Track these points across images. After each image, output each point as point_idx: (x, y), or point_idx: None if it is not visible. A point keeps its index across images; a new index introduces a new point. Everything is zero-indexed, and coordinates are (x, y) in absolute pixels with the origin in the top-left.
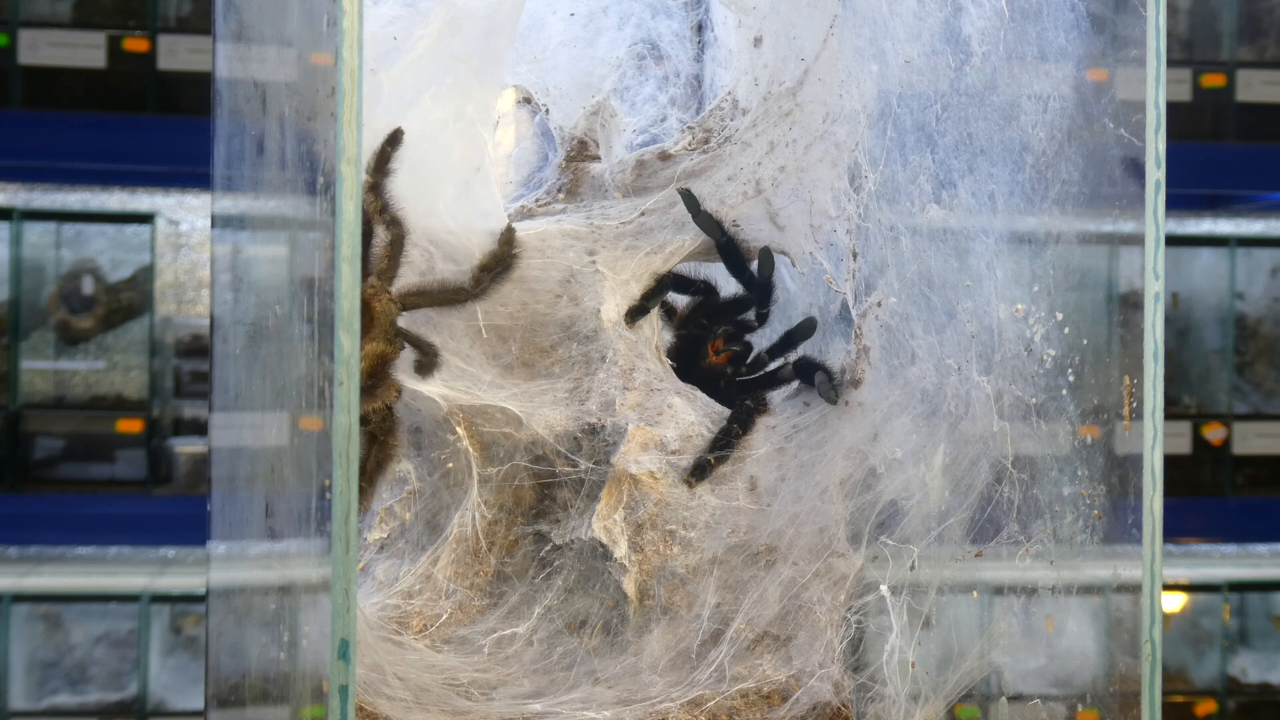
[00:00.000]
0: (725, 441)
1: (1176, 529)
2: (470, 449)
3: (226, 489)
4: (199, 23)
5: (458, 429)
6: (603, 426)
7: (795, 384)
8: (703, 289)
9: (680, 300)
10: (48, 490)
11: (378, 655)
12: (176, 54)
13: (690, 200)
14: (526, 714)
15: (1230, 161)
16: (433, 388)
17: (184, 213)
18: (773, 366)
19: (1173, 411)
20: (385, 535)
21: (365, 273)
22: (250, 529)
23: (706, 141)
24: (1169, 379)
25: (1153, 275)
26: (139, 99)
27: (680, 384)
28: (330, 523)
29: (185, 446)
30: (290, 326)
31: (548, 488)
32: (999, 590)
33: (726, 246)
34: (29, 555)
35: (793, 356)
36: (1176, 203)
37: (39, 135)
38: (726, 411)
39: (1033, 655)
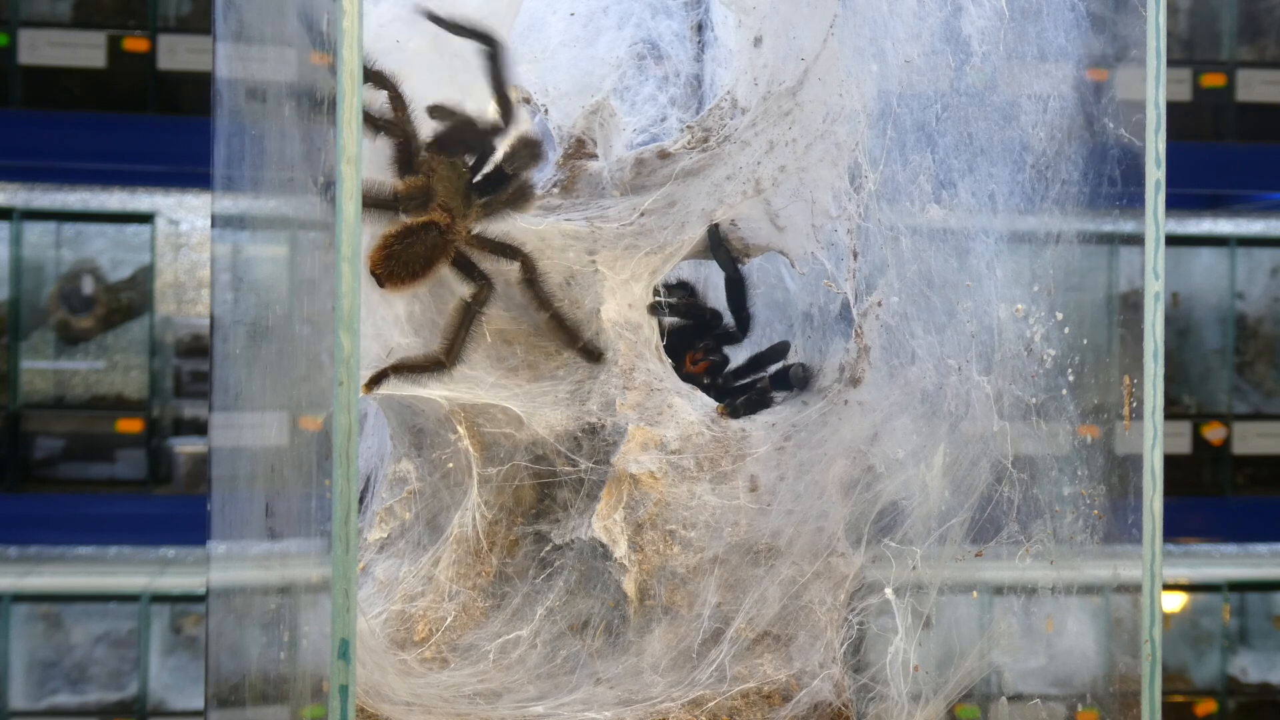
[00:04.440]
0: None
1: (1176, 529)
2: (471, 449)
3: (226, 489)
4: (199, 23)
5: (459, 428)
6: (603, 426)
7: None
8: (683, 309)
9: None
10: (48, 490)
11: (383, 676)
12: (176, 54)
13: (715, 234)
14: (529, 715)
15: (1230, 161)
16: (434, 390)
17: (184, 213)
18: (748, 380)
19: (1173, 411)
20: (385, 535)
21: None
22: (250, 529)
23: (706, 140)
24: (1169, 379)
25: (1153, 275)
26: (139, 99)
27: (680, 384)
28: (330, 523)
29: (185, 446)
30: (290, 326)
31: (548, 487)
32: (999, 590)
33: (733, 282)
34: (29, 555)
35: (773, 367)
36: (1176, 203)
37: (39, 135)
38: None
39: (1033, 655)
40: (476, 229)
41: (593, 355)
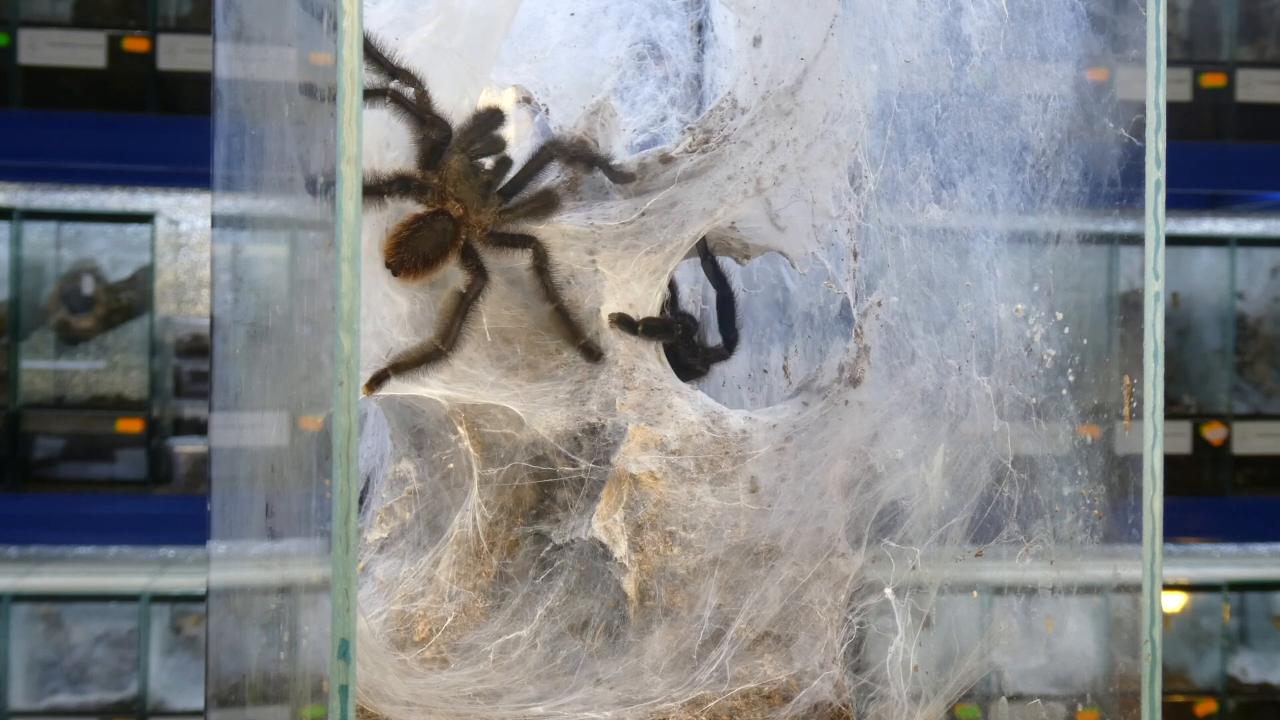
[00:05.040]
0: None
1: (1176, 529)
2: (471, 449)
3: (226, 489)
4: (199, 23)
5: (459, 428)
6: (603, 426)
7: (791, 383)
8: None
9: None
10: (48, 490)
11: (383, 676)
12: (176, 54)
13: (704, 249)
14: (529, 716)
15: (1230, 161)
16: (434, 390)
17: (184, 213)
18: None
19: (1173, 411)
20: (385, 535)
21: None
22: (250, 529)
23: (707, 142)
24: (1169, 379)
25: (1153, 275)
26: (139, 99)
27: (680, 384)
28: (330, 523)
29: (185, 446)
30: (290, 326)
31: (548, 488)
32: (999, 590)
33: (723, 299)
34: (29, 555)
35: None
36: (1176, 203)
37: (39, 135)
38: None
39: (1033, 655)
40: (492, 227)
41: (592, 354)
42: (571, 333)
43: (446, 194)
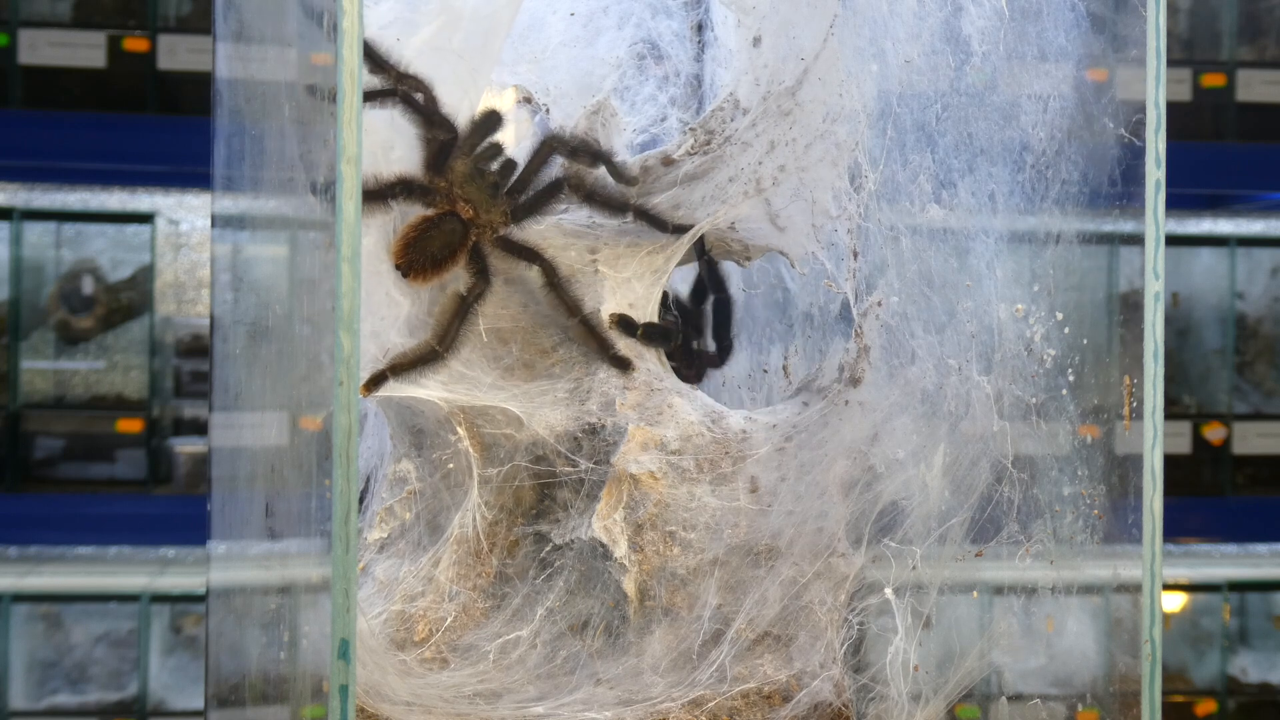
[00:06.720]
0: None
1: (1176, 529)
2: (471, 449)
3: (226, 489)
4: (199, 23)
5: (459, 429)
6: (603, 426)
7: (791, 383)
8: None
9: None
10: (48, 490)
11: (383, 676)
12: (176, 54)
13: (701, 250)
14: (529, 716)
15: (1230, 161)
16: (433, 392)
17: (184, 213)
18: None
19: (1173, 411)
20: (385, 535)
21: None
22: (250, 529)
23: (708, 143)
24: (1169, 379)
25: (1153, 275)
26: (139, 99)
27: (680, 384)
28: (330, 523)
29: (185, 446)
30: (290, 326)
31: (548, 488)
32: (999, 590)
33: (720, 304)
34: (29, 555)
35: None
36: (1176, 203)
37: (39, 135)
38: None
39: (1033, 655)
40: (502, 231)
41: (623, 365)
42: (600, 345)
43: (455, 196)
